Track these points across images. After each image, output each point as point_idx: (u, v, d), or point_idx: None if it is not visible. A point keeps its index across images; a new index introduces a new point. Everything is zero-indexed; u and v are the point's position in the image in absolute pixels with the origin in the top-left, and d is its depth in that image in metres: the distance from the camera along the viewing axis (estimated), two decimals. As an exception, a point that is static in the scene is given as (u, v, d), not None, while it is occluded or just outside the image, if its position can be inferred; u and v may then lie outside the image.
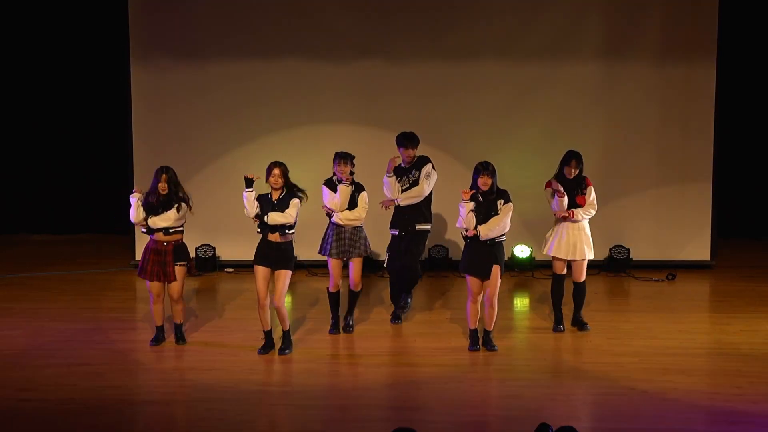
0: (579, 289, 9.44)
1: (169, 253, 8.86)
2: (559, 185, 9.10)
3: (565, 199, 9.11)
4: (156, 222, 8.85)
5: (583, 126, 12.09)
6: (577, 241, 9.23)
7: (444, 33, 12.01)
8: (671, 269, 11.90)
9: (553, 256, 9.32)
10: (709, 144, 12.10)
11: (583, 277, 9.36)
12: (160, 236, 8.88)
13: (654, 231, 12.17)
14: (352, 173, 9.22)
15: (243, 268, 12.12)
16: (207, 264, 12.11)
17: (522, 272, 11.86)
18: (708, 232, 12.21)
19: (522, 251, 11.91)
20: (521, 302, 10.81)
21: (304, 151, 12.02)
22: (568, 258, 9.26)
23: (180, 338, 9.08)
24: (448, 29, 12.01)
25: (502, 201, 8.64)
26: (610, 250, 11.98)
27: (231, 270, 12.17)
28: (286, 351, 8.74)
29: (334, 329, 9.35)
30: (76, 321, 9.79)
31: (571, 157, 9.20)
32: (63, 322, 9.75)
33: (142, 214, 8.89)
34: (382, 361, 8.61)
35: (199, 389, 7.87)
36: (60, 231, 14.36)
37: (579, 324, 9.48)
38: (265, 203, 8.72)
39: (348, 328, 9.45)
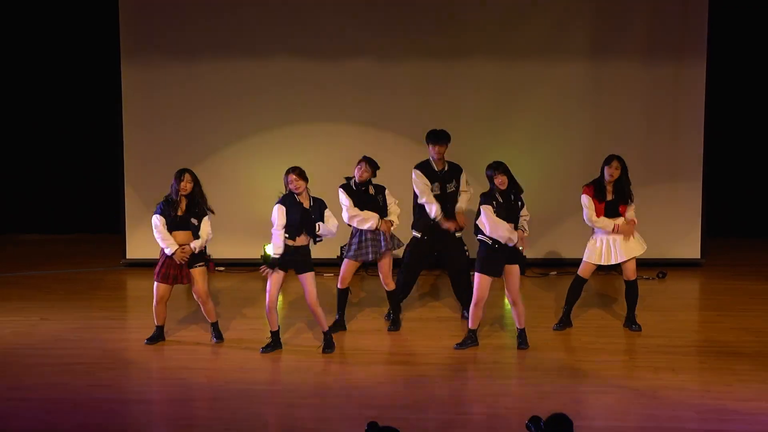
0: (631, 289, 9.33)
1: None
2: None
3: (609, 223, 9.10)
4: (197, 244, 8.77)
5: (571, 125, 12.14)
6: (620, 243, 9.13)
7: (434, 33, 12.03)
8: (661, 268, 11.93)
9: (584, 260, 9.23)
10: (699, 143, 12.13)
11: (634, 276, 9.26)
12: (181, 238, 8.78)
13: (644, 230, 12.11)
14: (373, 176, 9.19)
15: (234, 266, 12.12)
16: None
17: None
18: (698, 231, 12.25)
19: None
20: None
21: (296, 150, 12.03)
22: (617, 262, 9.17)
23: (218, 336, 9.03)
24: (438, 30, 12.03)
25: (520, 203, 8.65)
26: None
27: (222, 269, 12.15)
28: (327, 350, 8.71)
29: (337, 327, 9.31)
30: (67, 320, 9.78)
31: (614, 157, 9.12)
32: (54, 320, 9.74)
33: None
34: (374, 359, 8.61)
35: (190, 388, 7.87)
36: (52, 230, 14.34)
37: (631, 324, 9.39)
38: (294, 209, 8.47)
39: (396, 324, 9.42)
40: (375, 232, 9.16)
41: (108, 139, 13.05)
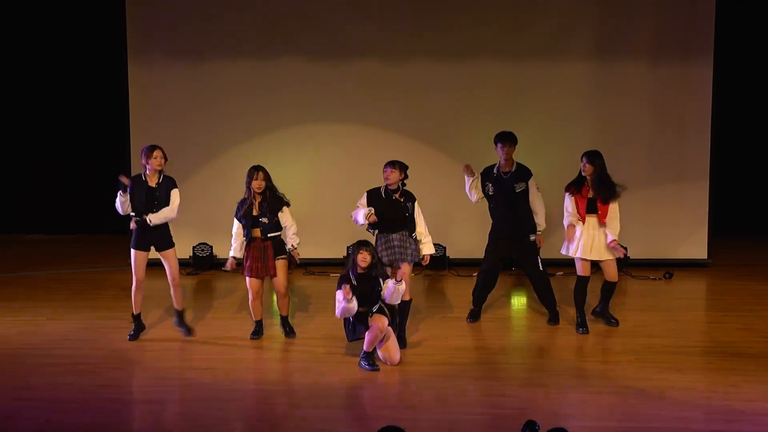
0: (609, 287, 9.38)
1: (269, 248, 8.92)
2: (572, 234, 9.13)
3: (577, 231, 9.14)
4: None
5: (577, 125, 12.13)
6: (601, 242, 9.09)
7: (440, 33, 12.04)
8: (668, 268, 11.91)
9: (576, 257, 9.21)
10: (706, 142, 12.12)
11: (617, 278, 9.33)
12: (257, 233, 8.92)
13: (651, 230, 12.20)
14: (405, 177, 9.00)
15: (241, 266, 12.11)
16: (204, 262, 12.12)
17: (518, 270, 11.88)
18: (705, 231, 12.24)
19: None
20: (518, 301, 10.81)
21: (301, 149, 12.03)
22: (595, 259, 9.14)
23: (290, 331, 9.17)
24: (443, 30, 12.04)
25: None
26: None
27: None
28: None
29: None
30: (72, 320, 9.79)
31: (583, 155, 9.13)
32: (60, 320, 9.76)
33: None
34: (378, 360, 8.59)
35: (197, 388, 7.86)
36: (58, 230, 14.36)
37: (600, 315, 9.52)
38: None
39: (400, 341, 8.79)
40: (402, 239, 8.89)
41: (114, 139, 13.07)
